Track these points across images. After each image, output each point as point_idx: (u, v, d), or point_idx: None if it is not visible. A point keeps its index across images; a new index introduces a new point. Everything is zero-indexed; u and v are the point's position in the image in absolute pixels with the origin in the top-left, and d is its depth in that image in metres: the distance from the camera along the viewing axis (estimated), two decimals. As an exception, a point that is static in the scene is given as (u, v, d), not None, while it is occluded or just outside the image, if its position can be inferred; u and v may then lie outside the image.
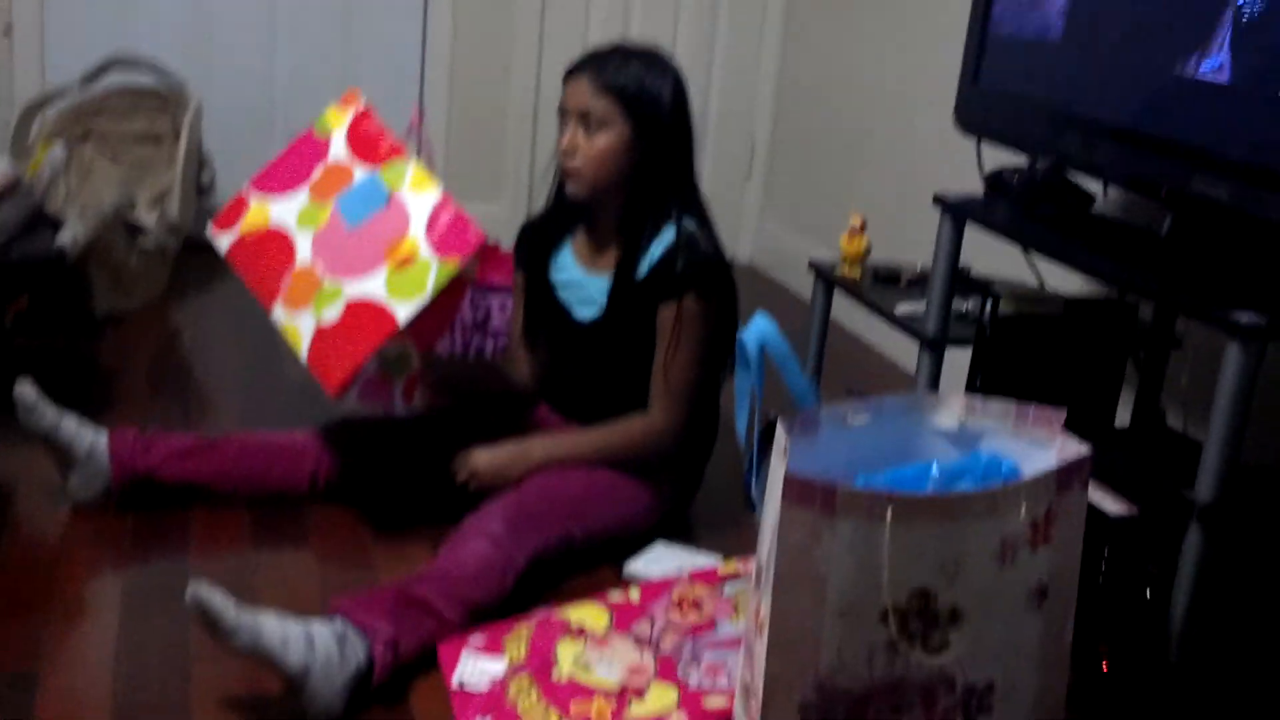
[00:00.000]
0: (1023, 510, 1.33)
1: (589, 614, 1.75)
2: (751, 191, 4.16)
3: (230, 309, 3.25)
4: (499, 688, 1.62)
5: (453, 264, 1.97)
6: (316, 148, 2.15)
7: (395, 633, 1.66)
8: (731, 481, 2.28)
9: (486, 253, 2.85)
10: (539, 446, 2.08)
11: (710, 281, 2.06)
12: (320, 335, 1.98)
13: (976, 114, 2.27)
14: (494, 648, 1.70)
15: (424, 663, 1.71)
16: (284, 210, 2.11)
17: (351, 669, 1.61)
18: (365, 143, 2.13)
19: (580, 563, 2.00)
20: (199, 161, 3.28)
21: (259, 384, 2.74)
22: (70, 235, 2.44)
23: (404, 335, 2.02)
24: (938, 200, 2.21)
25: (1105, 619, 1.78)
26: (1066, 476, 1.37)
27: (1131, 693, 1.77)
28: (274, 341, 2.97)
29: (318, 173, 2.13)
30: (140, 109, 3.44)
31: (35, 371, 2.66)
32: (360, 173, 2.10)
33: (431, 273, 1.97)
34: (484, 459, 2.05)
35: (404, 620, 1.69)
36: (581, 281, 2.15)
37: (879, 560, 1.29)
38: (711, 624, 1.72)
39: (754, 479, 1.71)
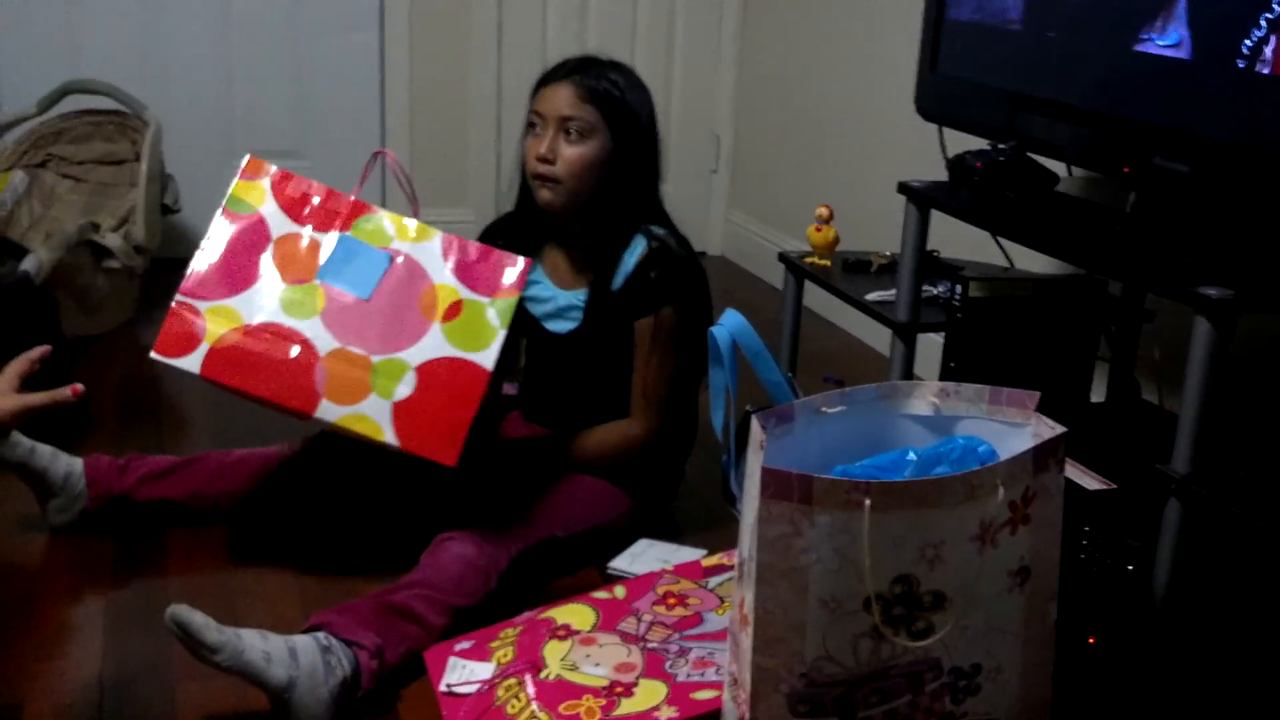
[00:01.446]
0: (1000, 493, 1.33)
1: (575, 613, 1.75)
2: (718, 184, 4.17)
3: (200, 327, 3.24)
4: (487, 691, 1.61)
5: (511, 297, 1.88)
6: (250, 231, 1.92)
7: (380, 642, 1.66)
8: (712, 477, 2.27)
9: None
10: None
11: (686, 291, 2.07)
12: (404, 413, 1.81)
13: (936, 101, 2.28)
14: (481, 653, 1.69)
15: (411, 670, 1.71)
16: (255, 307, 1.87)
17: (337, 680, 1.60)
18: (309, 205, 1.94)
19: (563, 563, 2.00)
20: (161, 182, 3.26)
21: (232, 402, 2.70)
22: (35, 260, 2.42)
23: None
24: (903, 188, 2.22)
25: (1088, 593, 1.79)
26: (1043, 457, 1.37)
27: (1116, 664, 1.78)
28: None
29: (270, 256, 1.91)
30: (99, 132, 3.42)
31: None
32: (328, 240, 1.92)
33: (491, 313, 1.86)
34: None
35: (388, 629, 1.69)
36: (553, 296, 2.14)
37: (859, 549, 1.29)
38: (698, 618, 1.72)
39: (733, 473, 1.71)
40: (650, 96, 2.10)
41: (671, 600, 1.77)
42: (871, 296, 2.36)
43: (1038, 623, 1.41)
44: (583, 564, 2.02)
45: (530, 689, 1.59)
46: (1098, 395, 2.25)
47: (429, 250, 1.91)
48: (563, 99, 2.00)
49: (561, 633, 1.71)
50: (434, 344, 1.84)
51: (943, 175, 2.26)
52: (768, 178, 3.93)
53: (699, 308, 2.08)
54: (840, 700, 1.34)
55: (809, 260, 2.60)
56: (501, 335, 1.85)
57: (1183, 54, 1.74)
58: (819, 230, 2.59)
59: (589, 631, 1.71)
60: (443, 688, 1.64)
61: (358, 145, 3.86)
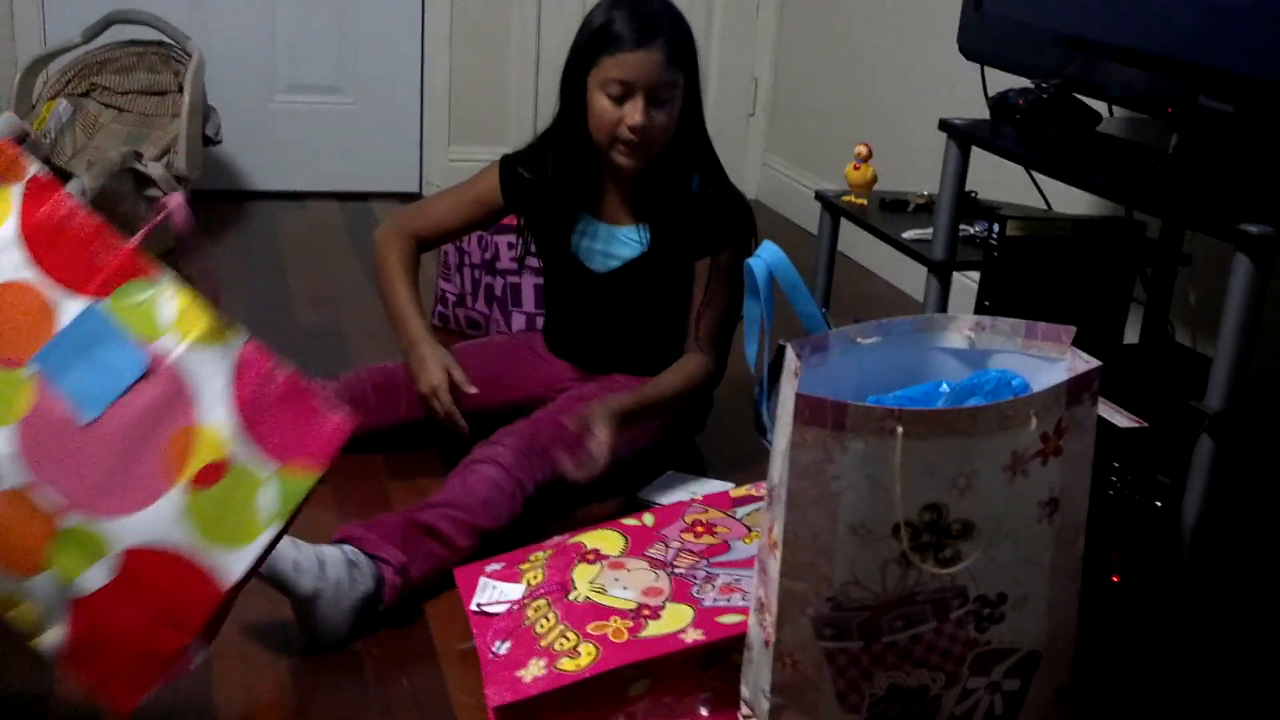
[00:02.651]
0: (1033, 424, 1.34)
1: (604, 539, 1.77)
2: (755, 128, 4.16)
3: (239, 258, 3.27)
4: (517, 611, 1.64)
5: (309, 473, 1.26)
6: None
7: (405, 559, 1.69)
8: (738, 410, 2.29)
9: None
10: (617, 403, 2.00)
11: (745, 232, 2.08)
12: (85, 616, 1.21)
13: (980, 39, 2.27)
14: (511, 574, 1.72)
15: (435, 587, 1.75)
16: None
17: (360, 594, 1.64)
18: (64, 246, 1.25)
19: (591, 492, 2.02)
20: (204, 113, 3.29)
21: (272, 331, 2.72)
22: (80, 185, 2.45)
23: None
24: (944, 125, 2.21)
25: (1116, 530, 1.80)
26: (1076, 390, 1.38)
27: (1143, 601, 1.79)
28: (287, 291, 3.02)
29: None
30: (143, 63, 3.44)
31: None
32: (70, 307, 1.23)
33: (268, 494, 1.22)
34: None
35: (413, 547, 1.72)
36: (604, 235, 2.13)
37: (890, 476, 1.30)
38: (725, 546, 1.74)
39: (765, 405, 1.72)
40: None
41: (700, 528, 1.79)
42: (908, 235, 2.36)
43: (1065, 555, 1.42)
44: (610, 492, 2.04)
45: (559, 609, 1.62)
46: (1131, 337, 2.24)
47: (212, 364, 1.25)
48: (654, 66, 1.93)
49: (590, 557, 1.73)
50: (163, 519, 1.22)
51: (984, 116, 2.24)
52: (806, 121, 3.91)
53: (752, 248, 2.10)
54: (865, 625, 1.36)
55: (846, 199, 2.59)
56: (273, 531, 1.25)
57: (1230, -8, 1.72)
58: (857, 169, 2.58)
59: (617, 556, 1.73)
60: (473, 607, 1.68)
61: (397, 82, 3.88)
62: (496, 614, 1.65)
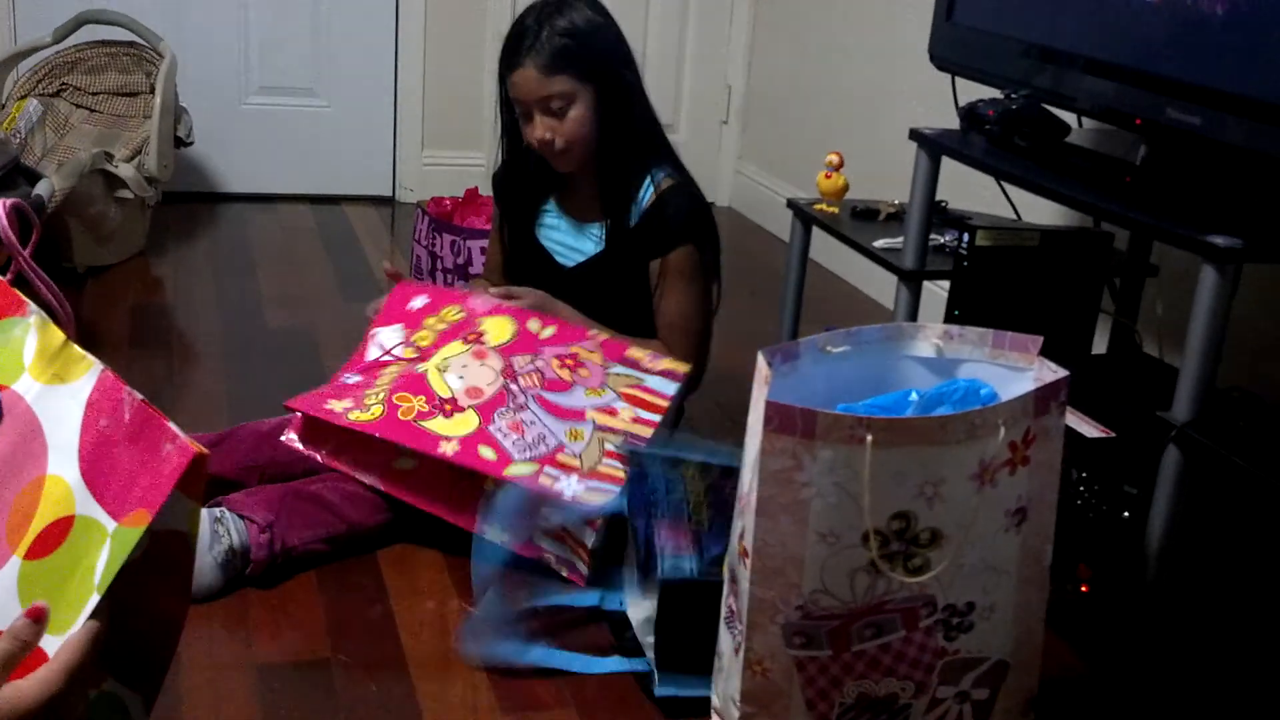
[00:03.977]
0: (1001, 433, 1.35)
1: (499, 326, 1.91)
2: (729, 136, 4.16)
3: (210, 260, 3.26)
4: (382, 362, 1.86)
5: (140, 525, 0.96)
6: None
7: (272, 519, 1.74)
8: (714, 417, 2.30)
9: (467, 196, 2.86)
10: (565, 309, 2.07)
11: (703, 228, 2.09)
12: None
13: (950, 49, 2.28)
14: (412, 325, 1.95)
15: (414, 591, 1.76)
16: None
17: (223, 548, 1.70)
18: None
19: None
20: (175, 114, 3.27)
21: (241, 334, 2.74)
22: (49, 185, 2.43)
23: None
24: (914, 135, 2.22)
25: (1084, 539, 1.81)
26: (1044, 399, 1.39)
27: (1109, 610, 1.80)
28: (258, 293, 3.01)
29: None
30: (114, 63, 3.42)
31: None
32: None
33: (105, 550, 0.97)
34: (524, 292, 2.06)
35: (290, 511, 1.77)
36: (568, 232, 2.16)
37: (859, 484, 1.31)
38: (567, 386, 1.83)
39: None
40: (609, 19, 2.05)
41: (570, 361, 1.86)
42: (879, 243, 2.37)
43: (1033, 564, 1.43)
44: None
45: (398, 372, 1.83)
46: (1099, 347, 2.26)
47: (67, 402, 1.04)
48: (531, 82, 1.98)
49: (471, 338, 1.87)
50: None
51: (955, 126, 2.26)
52: (779, 129, 3.93)
53: (715, 244, 2.11)
54: (835, 633, 1.37)
55: (817, 207, 2.60)
56: (95, 599, 0.96)
57: (1199, 7, 1.74)
58: (828, 177, 2.59)
59: (490, 347, 1.87)
60: (371, 335, 1.95)
61: (371, 84, 3.87)
62: (369, 358, 1.88)
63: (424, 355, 1.89)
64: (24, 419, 1.04)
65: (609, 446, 1.75)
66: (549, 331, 1.89)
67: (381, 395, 1.80)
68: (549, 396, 1.81)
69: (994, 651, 1.43)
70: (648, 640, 1.61)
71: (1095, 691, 1.70)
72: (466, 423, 1.78)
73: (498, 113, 2.11)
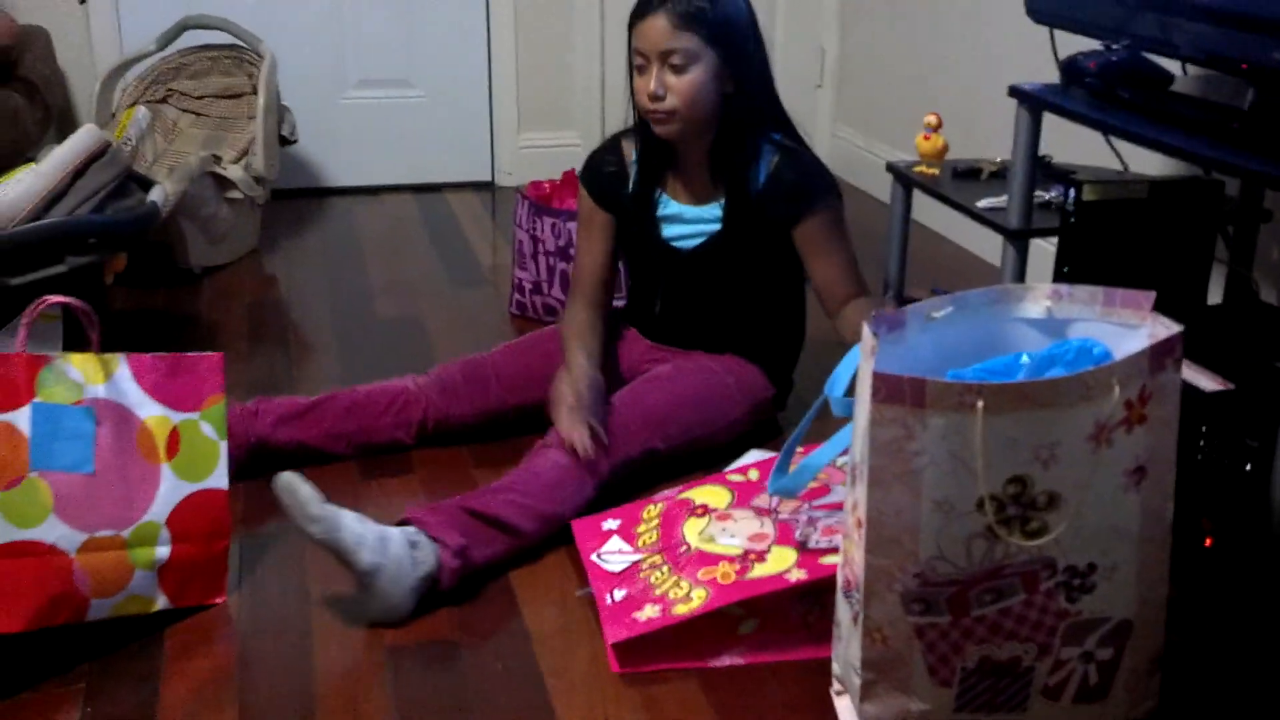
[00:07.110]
0: (1116, 392, 1.33)
1: (711, 494, 1.85)
2: (823, 99, 4.13)
3: (320, 254, 3.33)
4: (633, 568, 1.75)
5: (217, 403, 1.74)
6: None
7: (464, 543, 1.75)
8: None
9: (565, 178, 2.88)
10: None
11: (831, 189, 2.11)
12: (169, 573, 1.69)
13: (1048, 2, 2.24)
14: (627, 534, 1.82)
15: (530, 572, 1.82)
16: None
17: (421, 573, 1.70)
18: None
19: (672, 470, 2.04)
20: (278, 114, 3.34)
21: (356, 326, 2.81)
22: (162, 192, 2.50)
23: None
24: (1014, 92, 2.19)
25: (1206, 495, 1.78)
26: (1159, 356, 1.37)
27: (1236, 565, 1.77)
28: (367, 284, 3.07)
29: None
30: (217, 67, 3.50)
31: (137, 328, 2.76)
32: (20, 418, 1.58)
33: (206, 428, 1.74)
34: None
35: (474, 533, 1.77)
36: (681, 212, 2.14)
37: (972, 451, 1.30)
38: (825, 489, 1.78)
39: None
40: None
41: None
42: (982, 203, 2.34)
43: (1154, 522, 1.41)
44: (692, 469, 2.04)
45: (671, 563, 1.72)
46: (1215, 298, 2.21)
47: (122, 383, 1.67)
48: (658, 32, 1.97)
49: (699, 511, 1.81)
50: (171, 489, 1.69)
51: (1054, 79, 2.22)
52: (874, 90, 3.89)
53: (841, 199, 2.12)
54: (953, 599, 1.36)
55: (917, 169, 2.58)
56: (224, 447, 1.74)
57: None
58: (927, 139, 2.57)
59: (724, 509, 1.80)
60: (592, 557, 1.77)
61: (464, 72, 3.91)
62: (614, 571, 1.75)
63: (668, 548, 1.76)
64: (109, 408, 1.65)
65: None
66: (754, 474, 1.87)
67: (683, 581, 1.68)
68: (822, 502, 1.76)
69: (1117, 611, 1.42)
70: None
71: (1222, 648, 1.67)
72: (784, 556, 1.67)
73: (628, 94, 2.08)
